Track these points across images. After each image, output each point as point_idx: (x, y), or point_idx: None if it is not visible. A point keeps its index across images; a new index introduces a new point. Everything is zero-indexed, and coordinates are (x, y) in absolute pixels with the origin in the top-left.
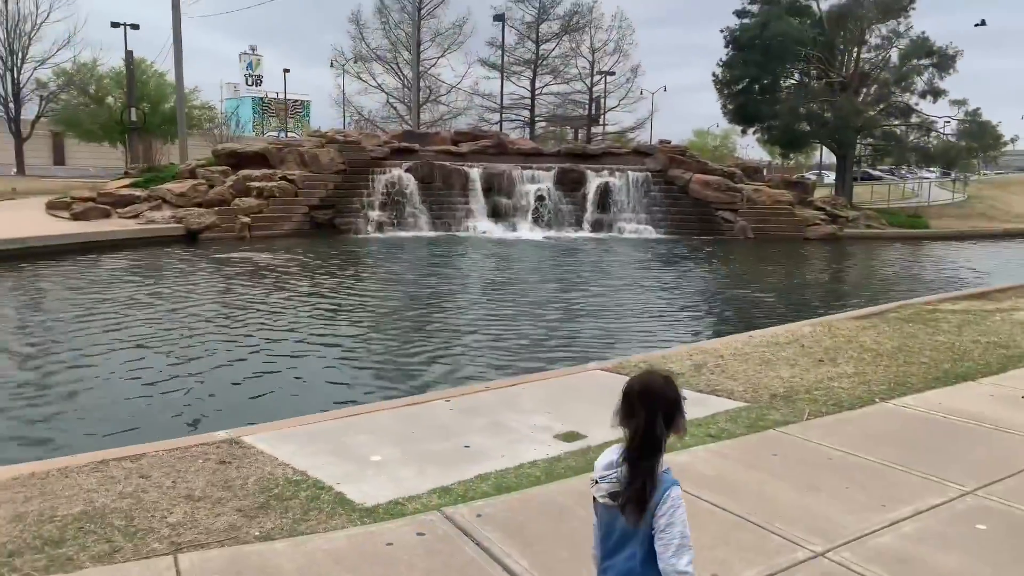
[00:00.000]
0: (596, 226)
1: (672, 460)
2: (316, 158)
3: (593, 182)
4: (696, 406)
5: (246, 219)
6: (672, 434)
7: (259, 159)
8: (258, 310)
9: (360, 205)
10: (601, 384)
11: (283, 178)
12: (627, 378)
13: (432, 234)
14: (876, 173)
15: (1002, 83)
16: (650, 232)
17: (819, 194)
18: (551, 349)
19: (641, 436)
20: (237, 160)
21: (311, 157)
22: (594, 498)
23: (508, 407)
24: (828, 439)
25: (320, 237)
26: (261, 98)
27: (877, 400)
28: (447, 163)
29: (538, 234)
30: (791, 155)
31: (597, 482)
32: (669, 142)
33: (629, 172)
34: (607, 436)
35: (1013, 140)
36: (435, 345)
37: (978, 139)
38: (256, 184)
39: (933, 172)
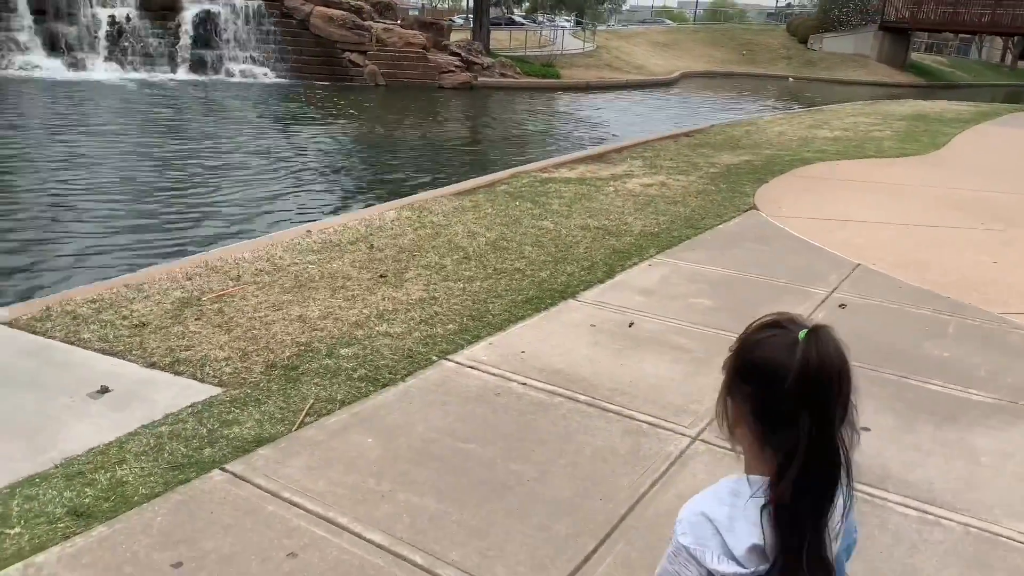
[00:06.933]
0: (197, 66)
1: None
2: None
3: (190, 10)
4: (114, 410)
5: None
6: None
7: None
8: None
9: None
10: None
11: None
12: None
13: None
14: (519, 20)
15: None
16: (266, 75)
17: (457, 37)
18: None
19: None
20: None
21: None
22: None
23: None
24: (316, 482)
25: None
26: None
27: (435, 357)
28: None
29: (117, 74)
30: None
31: None
32: None
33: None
34: None
35: None
36: None
37: None
38: None
39: (568, 21)
